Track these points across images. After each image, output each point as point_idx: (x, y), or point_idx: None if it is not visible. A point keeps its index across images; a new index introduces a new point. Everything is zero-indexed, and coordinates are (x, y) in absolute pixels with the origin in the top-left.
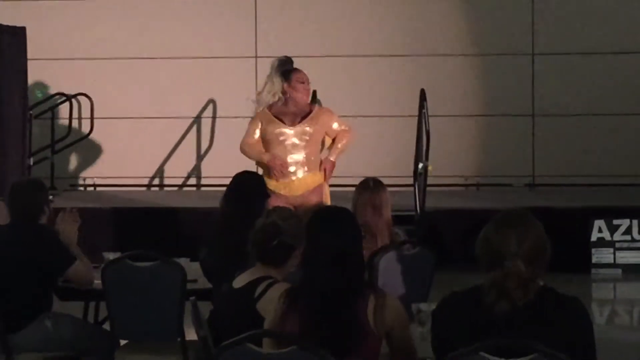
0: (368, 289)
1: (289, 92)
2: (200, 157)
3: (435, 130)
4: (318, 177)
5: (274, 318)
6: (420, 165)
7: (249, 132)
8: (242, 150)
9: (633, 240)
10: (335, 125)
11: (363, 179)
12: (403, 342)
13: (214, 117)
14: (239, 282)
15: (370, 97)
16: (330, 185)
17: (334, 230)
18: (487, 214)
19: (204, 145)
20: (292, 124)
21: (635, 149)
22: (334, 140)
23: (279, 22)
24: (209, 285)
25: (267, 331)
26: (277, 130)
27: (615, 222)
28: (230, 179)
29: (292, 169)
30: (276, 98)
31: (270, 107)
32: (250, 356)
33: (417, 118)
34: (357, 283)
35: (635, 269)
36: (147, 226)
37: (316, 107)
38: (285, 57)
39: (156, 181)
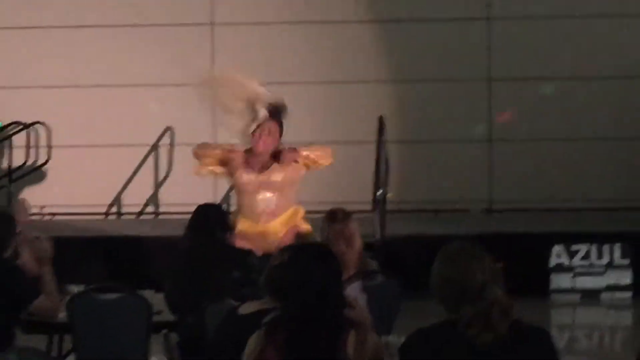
0: (349, 323)
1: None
2: (158, 185)
3: (392, 156)
4: (290, 217)
5: (253, 350)
6: (380, 191)
7: (219, 143)
8: (196, 152)
9: (591, 265)
10: (305, 153)
11: (329, 209)
12: None
13: (171, 145)
14: (247, 309)
15: (328, 123)
16: None
17: (319, 267)
18: (448, 240)
19: (162, 173)
20: (259, 171)
21: (592, 174)
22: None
23: (236, 50)
24: (173, 318)
25: None
26: (245, 178)
27: (574, 247)
28: (192, 211)
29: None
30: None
31: (248, 150)
32: None
33: (375, 145)
34: (339, 318)
35: (593, 294)
36: (107, 255)
37: (284, 152)
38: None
39: (114, 209)
